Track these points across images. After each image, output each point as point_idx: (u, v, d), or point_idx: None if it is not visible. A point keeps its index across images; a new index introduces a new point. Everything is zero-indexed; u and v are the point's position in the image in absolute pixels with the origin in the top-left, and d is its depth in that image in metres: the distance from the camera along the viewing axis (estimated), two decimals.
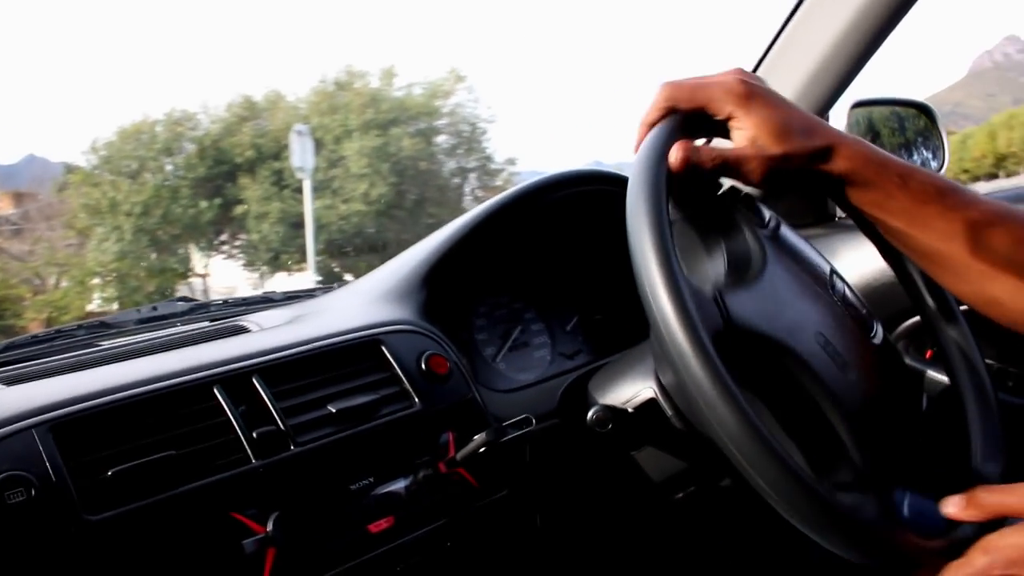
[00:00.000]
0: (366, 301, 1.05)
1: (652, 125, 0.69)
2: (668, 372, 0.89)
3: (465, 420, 0.94)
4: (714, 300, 0.66)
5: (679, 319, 0.59)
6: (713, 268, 0.74)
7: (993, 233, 0.66)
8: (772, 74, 1.37)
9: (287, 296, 1.32)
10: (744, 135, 0.67)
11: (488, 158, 17.24)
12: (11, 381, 0.90)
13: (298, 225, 14.35)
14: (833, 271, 0.82)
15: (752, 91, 0.67)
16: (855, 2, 1.22)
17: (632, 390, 0.93)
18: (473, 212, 1.15)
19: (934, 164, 1.47)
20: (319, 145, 14.19)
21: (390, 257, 1.20)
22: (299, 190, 13.63)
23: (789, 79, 1.35)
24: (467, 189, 17.17)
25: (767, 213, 0.80)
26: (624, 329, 1.27)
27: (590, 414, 0.90)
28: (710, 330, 0.61)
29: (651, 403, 0.91)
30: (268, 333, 0.98)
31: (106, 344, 1.11)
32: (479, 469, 0.89)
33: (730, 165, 0.67)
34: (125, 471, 0.70)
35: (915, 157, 1.53)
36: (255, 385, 0.82)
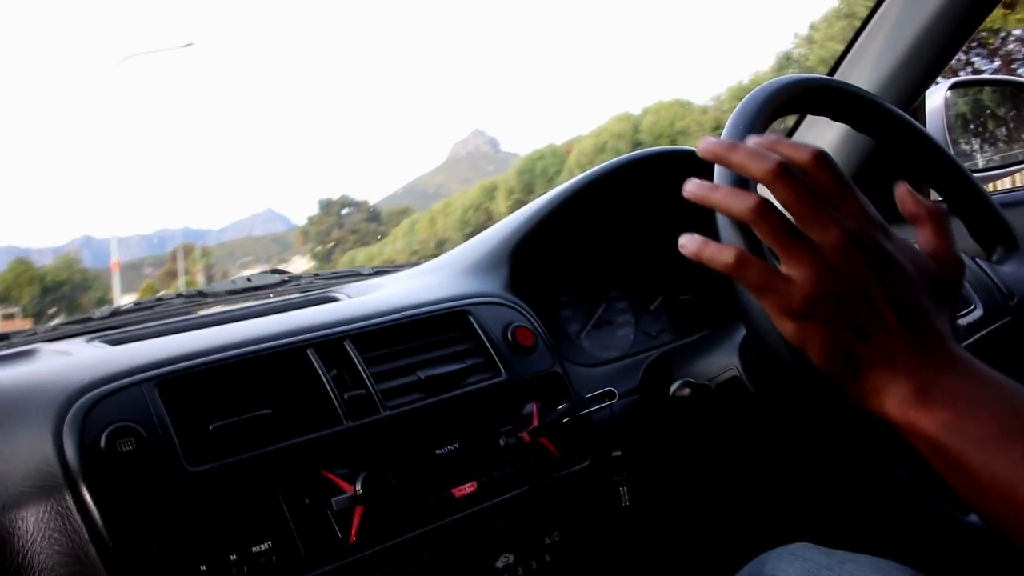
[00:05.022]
0: (453, 273, 1.07)
1: None
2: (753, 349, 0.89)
3: (549, 391, 0.94)
4: None
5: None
6: None
7: None
8: (854, 69, 1.35)
9: (375, 271, 1.35)
10: None
11: None
12: (115, 342, 0.95)
13: None
14: None
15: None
16: None
17: (716, 367, 0.93)
18: (560, 188, 1.15)
19: None
20: None
21: None
22: None
23: (873, 73, 1.34)
24: None
25: None
26: (708, 310, 1.26)
27: (673, 388, 0.90)
28: None
29: (734, 381, 0.90)
30: (358, 302, 1.01)
31: (203, 312, 1.16)
32: (562, 440, 0.89)
33: None
34: (224, 427, 0.74)
35: None
36: (347, 350, 0.85)
